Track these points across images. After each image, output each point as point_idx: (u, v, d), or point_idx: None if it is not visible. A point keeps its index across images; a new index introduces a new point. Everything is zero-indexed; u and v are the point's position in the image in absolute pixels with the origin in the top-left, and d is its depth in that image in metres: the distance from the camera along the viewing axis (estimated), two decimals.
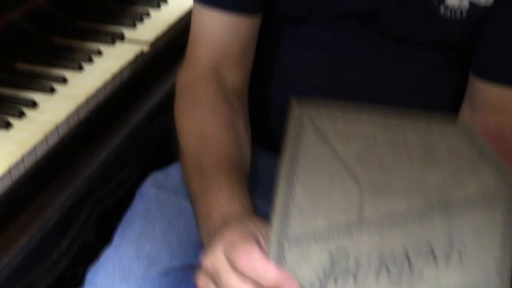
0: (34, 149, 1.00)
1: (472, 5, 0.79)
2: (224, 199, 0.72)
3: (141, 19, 1.41)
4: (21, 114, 1.06)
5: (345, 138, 0.70)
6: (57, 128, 1.04)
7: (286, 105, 0.82)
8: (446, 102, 0.88)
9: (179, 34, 1.36)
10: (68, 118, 1.07)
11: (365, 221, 0.69)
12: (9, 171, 0.94)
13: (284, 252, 0.70)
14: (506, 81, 0.81)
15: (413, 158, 0.69)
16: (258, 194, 0.82)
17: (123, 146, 1.12)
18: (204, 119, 0.81)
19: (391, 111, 0.70)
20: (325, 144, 0.70)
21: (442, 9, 0.80)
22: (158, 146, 1.23)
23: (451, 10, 0.80)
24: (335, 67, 0.86)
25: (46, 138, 1.02)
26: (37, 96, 1.11)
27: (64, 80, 1.16)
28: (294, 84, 0.89)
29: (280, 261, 0.70)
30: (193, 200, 0.77)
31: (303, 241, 0.70)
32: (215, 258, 0.64)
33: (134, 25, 1.38)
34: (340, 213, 0.70)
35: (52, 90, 1.13)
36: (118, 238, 0.84)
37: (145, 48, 1.27)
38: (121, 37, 1.32)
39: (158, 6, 1.48)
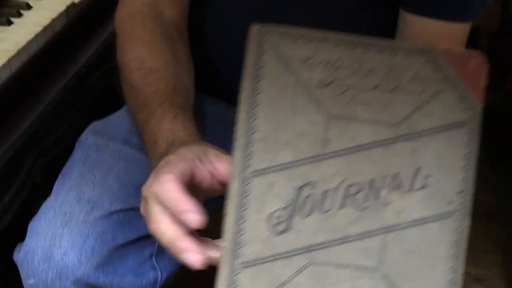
0: None
1: None
2: (167, 124, 0.70)
3: None
4: None
5: (308, 65, 0.68)
6: None
7: (227, 44, 0.80)
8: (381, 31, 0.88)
9: None
10: None
11: (331, 151, 0.68)
12: None
13: (248, 185, 0.68)
14: (435, 14, 0.82)
15: (379, 86, 0.67)
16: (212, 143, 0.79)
17: (61, 98, 1.07)
18: (144, 53, 0.79)
19: (356, 39, 0.68)
20: (288, 72, 0.68)
21: None
22: (99, 97, 1.18)
23: None
24: None
25: None
26: None
27: None
28: (231, 21, 0.86)
29: (243, 194, 0.68)
30: (140, 132, 0.74)
31: (267, 174, 0.67)
32: (147, 185, 0.61)
33: None
34: (305, 143, 0.68)
35: None
36: (58, 185, 0.80)
37: None
38: None
39: None
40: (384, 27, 0.87)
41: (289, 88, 0.67)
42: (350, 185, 0.67)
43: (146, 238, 0.80)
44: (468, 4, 0.82)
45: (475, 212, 1.84)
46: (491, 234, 1.59)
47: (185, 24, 0.89)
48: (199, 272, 0.78)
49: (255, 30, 0.68)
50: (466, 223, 0.66)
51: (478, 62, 0.67)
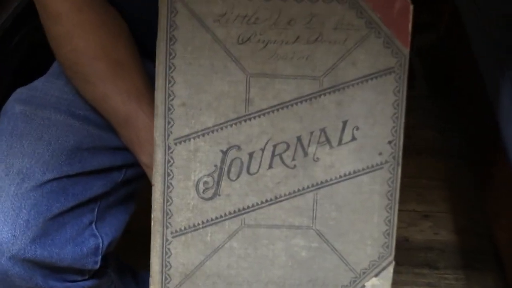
0: None
1: None
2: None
3: None
4: None
5: (224, 22, 0.64)
6: None
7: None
8: None
9: None
10: None
11: (254, 110, 0.65)
12: None
13: (172, 153, 0.65)
14: None
15: (300, 37, 0.64)
16: None
17: None
18: (84, 46, 0.75)
19: None
20: (204, 30, 0.64)
21: None
22: (21, 63, 1.13)
23: None
24: None
25: None
26: None
27: None
28: None
29: (168, 163, 0.66)
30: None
31: (190, 140, 0.65)
32: None
33: None
34: (227, 104, 0.65)
35: None
36: None
37: None
38: None
39: None
40: None
41: (206, 47, 0.64)
42: (276, 144, 0.65)
43: (84, 205, 0.78)
44: None
45: (419, 149, 1.85)
46: (436, 170, 1.59)
47: None
48: (141, 238, 0.78)
49: None
50: (398, 173, 0.65)
51: (402, 4, 0.63)
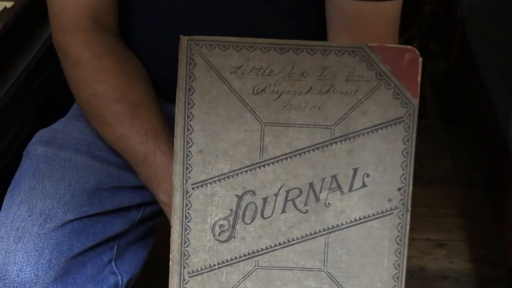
0: None
1: None
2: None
3: None
4: None
5: (240, 74, 0.67)
6: None
7: (166, 43, 0.78)
8: (312, 31, 0.88)
9: None
10: None
11: (268, 157, 0.68)
12: None
13: (189, 197, 0.68)
14: None
15: (313, 89, 0.67)
16: None
17: (2, 108, 1.04)
18: (104, 90, 0.78)
19: (286, 42, 0.67)
20: (220, 82, 0.67)
21: None
22: (43, 105, 1.16)
23: None
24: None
25: None
26: None
27: None
28: (165, 19, 0.84)
29: (186, 207, 0.68)
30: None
31: (207, 185, 0.68)
32: None
33: None
34: (242, 152, 0.68)
35: None
36: (7, 200, 0.79)
37: (8, 4, 1.18)
38: None
39: None
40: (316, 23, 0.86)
41: (223, 98, 0.67)
42: (289, 190, 0.67)
43: (104, 244, 0.81)
44: None
45: (433, 178, 1.86)
46: (450, 198, 1.61)
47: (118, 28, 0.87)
48: (157, 271, 0.80)
49: (183, 42, 0.67)
50: (407, 219, 0.67)
51: (411, 57, 0.66)
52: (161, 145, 0.75)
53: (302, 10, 0.85)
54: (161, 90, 0.83)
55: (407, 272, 0.68)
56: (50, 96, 1.16)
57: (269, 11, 0.84)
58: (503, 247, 1.37)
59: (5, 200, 0.79)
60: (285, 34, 0.82)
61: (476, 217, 1.54)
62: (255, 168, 0.67)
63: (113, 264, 0.81)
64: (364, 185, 0.67)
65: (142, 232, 0.87)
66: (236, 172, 0.67)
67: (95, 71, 0.79)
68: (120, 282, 0.80)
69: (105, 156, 0.84)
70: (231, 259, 0.67)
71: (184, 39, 0.66)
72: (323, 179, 0.67)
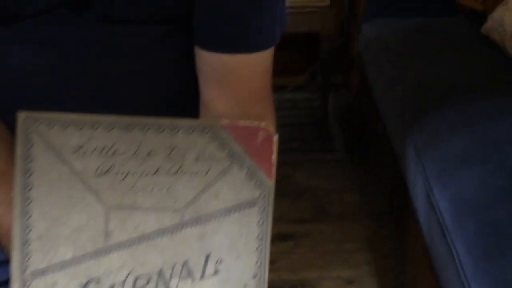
0: None
1: None
2: None
3: None
4: None
5: (82, 154, 0.62)
6: None
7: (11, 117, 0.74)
8: (182, 77, 0.84)
9: None
10: None
11: (113, 243, 0.63)
12: None
13: (28, 286, 0.63)
14: (228, 49, 0.76)
15: (160, 169, 0.62)
16: None
17: None
18: None
19: (131, 120, 0.63)
20: (60, 163, 0.62)
21: None
22: None
23: None
24: (59, 61, 0.78)
25: None
26: None
27: None
28: (19, 87, 0.80)
29: None
30: None
31: (48, 273, 0.63)
32: None
33: None
34: (85, 237, 0.63)
35: None
36: None
37: None
38: None
39: None
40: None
41: (63, 180, 0.62)
42: (137, 277, 0.63)
43: None
44: (257, 33, 0.77)
45: (341, 213, 1.86)
46: (359, 233, 1.60)
47: None
48: None
49: (21, 119, 0.62)
50: None
51: (265, 135, 0.62)
52: None
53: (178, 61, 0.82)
54: None
55: None
56: None
57: (145, 64, 0.80)
58: (408, 280, 1.37)
59: None
60: (164, 85, 0.79)
61: (383, 250, 1.53)
62: (100, 255, 0.62)
63: None
64: (217, 272, 0.62)
65: None
66: (79, 259, 0.62)
67: None
68: None
69: None
70: None
71: (21, 116, 0.61)
72: (173, 266, 0.62)
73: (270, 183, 0.62)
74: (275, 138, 0.62)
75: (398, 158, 1.53)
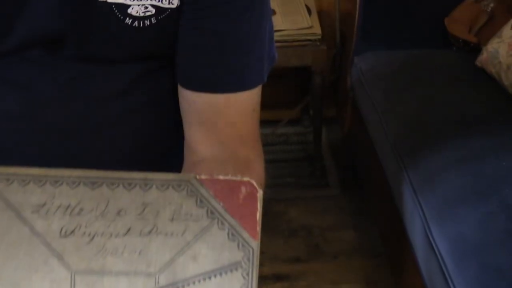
0: None
1: (157, 9, 0.71)
2: None
3: None
4: None
5: (44, 213, 0.56)
6: None
7: None
8: (162, 115, 0.81)
9: None
10: None
11: None
12: None
13: None
14: (214, 88, 0.73)
15: (132, 230, 0.56)
16: None
17: None
18: None
19: (99, 174, 0.57)
20: (20, 223, 0.56)
21: (128, 20, 0.71)
22: None
23: (138, 19, 0.71)
24: (33, 103, 0.74)
25: None
26: None
27: None
28: None
29: None
30: None
31: None
32: None
33: None
34: None
35: None
36: None
37: None
38: None
39: None
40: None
41: (24, 242, 0.56)
42: None
43: None
44: (245, 72, 0.74)
45: (337, 251, 1.82)
46: (355, 271, 1.55)
47: None
48: None
49: None
50: None
51: (248, 190, 0.56)
52: None
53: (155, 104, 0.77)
54: None
55: None
56: None
57: (125, 105, 0.76)
58: None
59: None
60: (145, 127, 0.74)
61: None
62: None
63: None
64: None
65: None
66: None
67: None
68: None
69: None
70: None
71: None
72: None
73: (254, 243, 0.56)
74: (260, 194, 0.56)
75: (393, 194, 1.49)
